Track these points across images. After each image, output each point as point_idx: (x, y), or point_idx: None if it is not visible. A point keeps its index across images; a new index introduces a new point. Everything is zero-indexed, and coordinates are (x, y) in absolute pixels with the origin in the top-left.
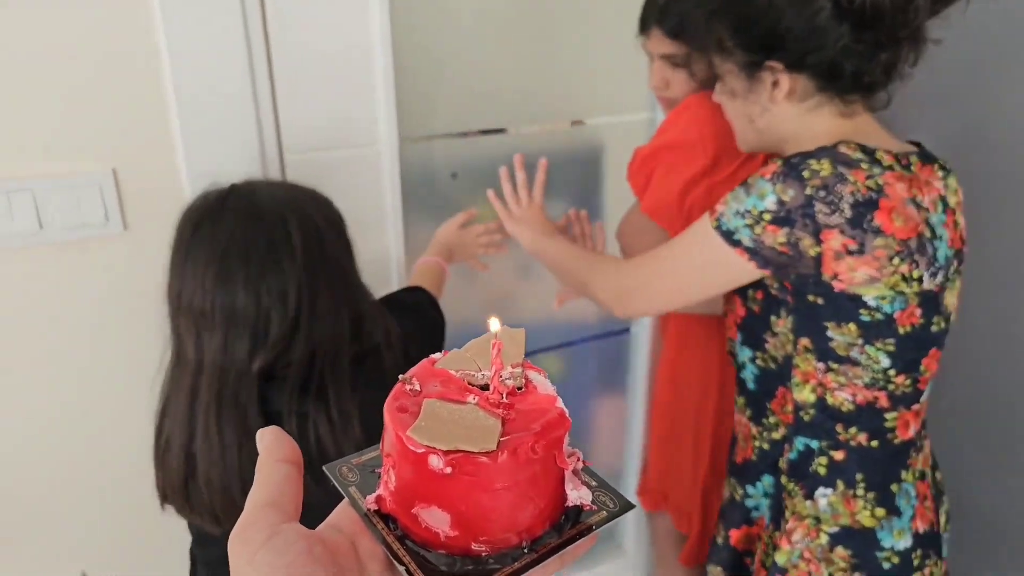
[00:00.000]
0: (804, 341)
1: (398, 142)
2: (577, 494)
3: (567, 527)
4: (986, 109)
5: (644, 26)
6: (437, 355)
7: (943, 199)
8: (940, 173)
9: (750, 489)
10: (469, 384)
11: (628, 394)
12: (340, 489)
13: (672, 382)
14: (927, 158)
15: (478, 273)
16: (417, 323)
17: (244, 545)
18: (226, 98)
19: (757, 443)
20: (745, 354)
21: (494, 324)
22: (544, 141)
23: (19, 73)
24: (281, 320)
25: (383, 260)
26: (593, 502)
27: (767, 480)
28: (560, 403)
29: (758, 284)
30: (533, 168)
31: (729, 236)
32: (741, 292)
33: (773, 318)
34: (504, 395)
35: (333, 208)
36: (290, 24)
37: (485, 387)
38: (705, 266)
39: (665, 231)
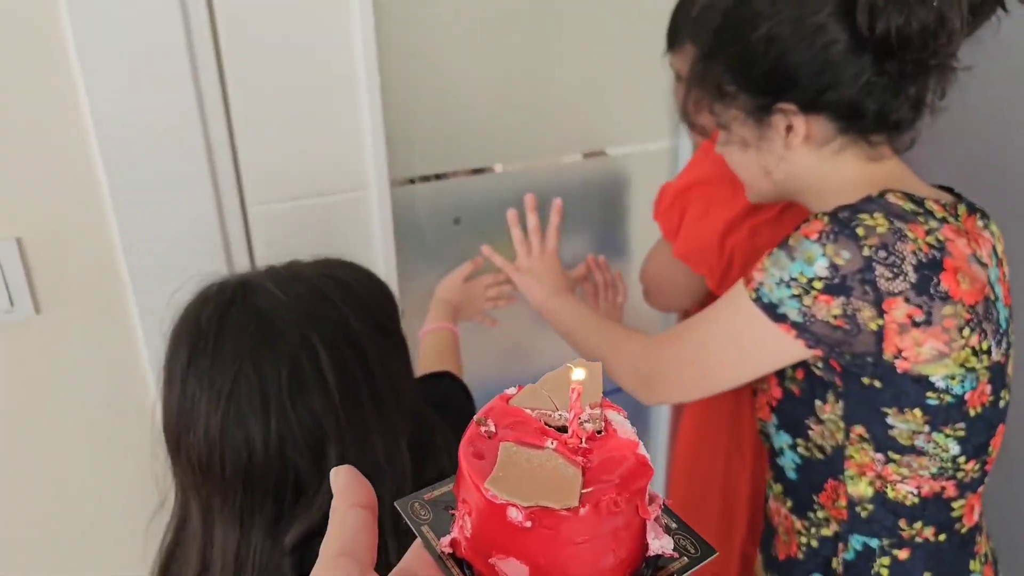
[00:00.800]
0: (859, 430)
1: (389, 185)
2: (659, 543)
3: (648, 575)
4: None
5: (673, 40)
6: (511, 390)
7: (995, 251)
8: (981, 222)
9: None
10: (546, 424)
11: (650, 443)
12: (413, 528)
13: (697, 432)
14: (970, 206)
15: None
16: (455, 423)
17: None
18: (168, 140)
19: (804, 539)
20: (783, 439)
21: (578, 373)
22: (557, 176)
23: None
24: (314, 475)
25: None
26: (674, 548)
27: None
28: (642, 449)
29: (798, 362)
30: (546, 207)
31: (772, 310)
32: (778, 371)
33: (818, 403)
34: (583, 440)
35: (376, 293)
36: (251, 54)
37: (562, 428)
38: (743, 348)
39: (699, 276)
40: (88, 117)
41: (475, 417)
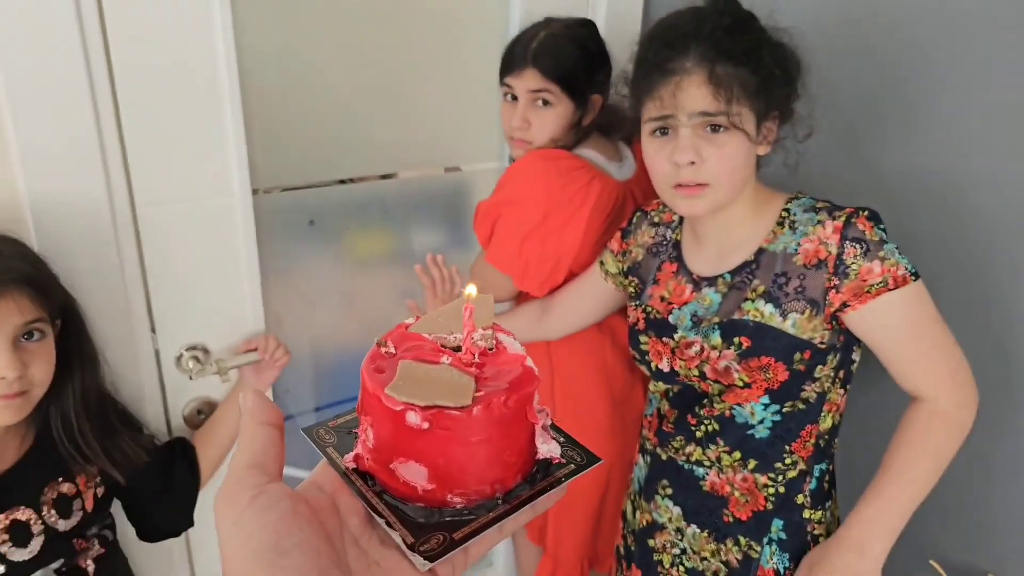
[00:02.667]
0: (841, 373)
1: (251, 193)
2: (547, 448)
3: (538, 479)
4: None
5: (517, 64)
6: (409, 320)
7: None
8: None
9: (762, 545)
10: (442, 346)
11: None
12: (318, 450)
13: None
14: None
15: (344, 303)
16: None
17: (230, 506)
18: (69, 146)
19: (771, 490)
20: (768, 411)
21: (470, 288)
22: (403, 188)
23: None
24: None
25: (239, 317)
26: (562, 456)
27: (777, 525)
28: (529, 361)
29: (806, 345)
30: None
31: (917, 275)
32: (785, 357)
33: (819, 367)
34: (476, 355)
35: None
36: (137, 66)
37: (458, 349)
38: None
39: (506, 276)
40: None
41: (376, 340)
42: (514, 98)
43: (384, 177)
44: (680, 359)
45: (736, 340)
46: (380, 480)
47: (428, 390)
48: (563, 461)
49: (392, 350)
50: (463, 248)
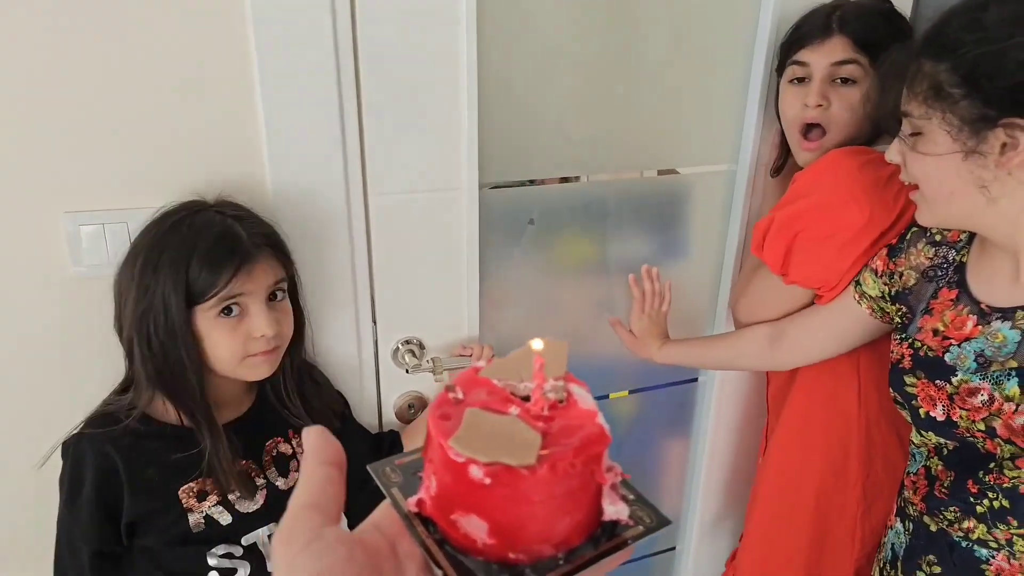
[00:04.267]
0: None
1: (478, 188)
2: (614, 509)
3: (603, 540)
4: None
5: (817, 33)
6: (482, 363)
7: None
8: None
9: None
10: (512, 394)
11: (692, 440)
12: (383, 489)
13: (793, 448)
14: None
15: (551, 309)
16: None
17: (286, 548)
18: (315, 132)
19: None
20: None
21: (536, 344)
22: (620, 189)
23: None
24: None
25: (455, 315)
26: (630, 517)
27: None
28: (601, 418)
29: None
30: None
31: None
32: None
33: None
34: (545, 408)
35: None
36: (381, 62)
37: (527, 398)
38: None
39: (807, 295)
40: (261, 116)
41: (446, 384)
42: (800, 81)
43: (605, 177)
44: (961, 408)
45: None
46: (441, 528)
47: (492, 444)
48: (631, 523)
49: (460, 396)
50: (676, 257)
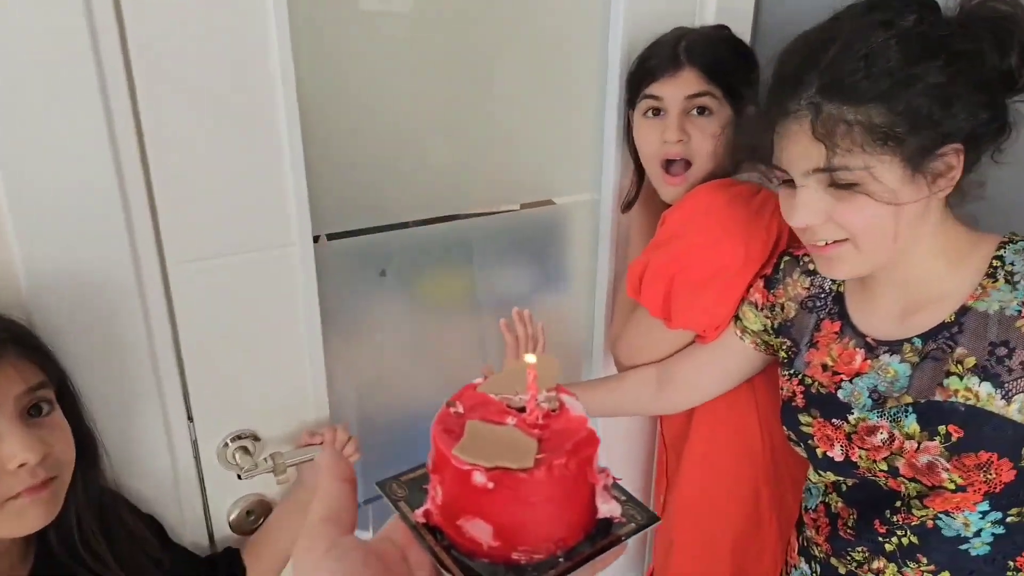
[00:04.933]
0: None
1: (312, 240)
2: (607, 507)
3: (599, 538)
4: None
5: (667, 66)
6: (478, 379)
7: None
8: None
9: None
10: (508, 407)
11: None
12: (391, 503)
13: (703, 489)
14: None
15: (417, 362)
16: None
17: (308, 554)
18: (80, 194)
19: None
20: (986, 521)
21: (530, 358)
22: (482, 226)
23: None
24: None
25: (297, 396)
26: (622, 515)
27: None
28: (590, 424)
29: None
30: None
31: None
32: (1011, 452)
33: None
34: (540, 417)
35: None
36: (169, 104)
37: (522, 409)
38: None
39: (688, 335)
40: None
41: (446, 401)
42: (656, 112)
43: (457, 217)
44: (860, 447)
45: (941, 429)
46: (448, 535)
47: (493, 451)
48: (623, 520)
49: (461, 410)
50: (548, 292)
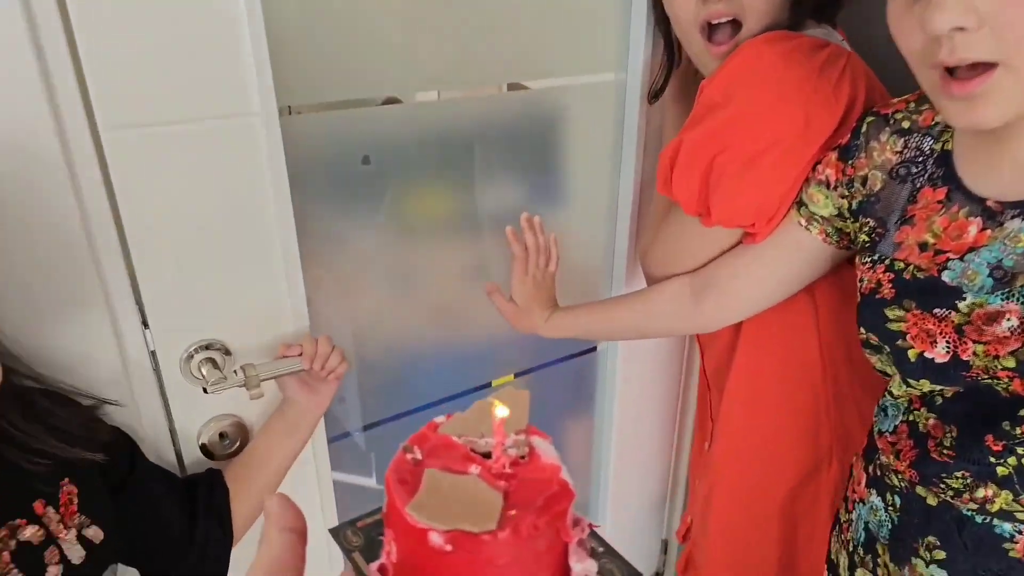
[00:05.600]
0: None
1: (277, 112)
2: (582, 567)
3: None
4: None
5: None
6: (440, 418)
7: None
8: None
9: None
10: (472, 451)
11: (596, 419)
12: (344, 555)
13: (749, 432)
14: None
15: (406, 279)
16: None
17: None
18: None
19: None
20: None
21: (500, 411)
22: (480, 109)
23: None
24: None
25: (271, 301)
26: (600, 571)
27: None
28: (564, 473)
29: None
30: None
31: None
32: None
33: None
34: (507, 465)
35: None
36: None
37: (488, 454)
38: None
39: (732, 235)
40: None
41: (403, 445)
42: None
43: (460, 94)
44: (975, 341)
45: None
46: None
47: (451, 509)
48: None
49: (419, 456)
50: (557, 202)
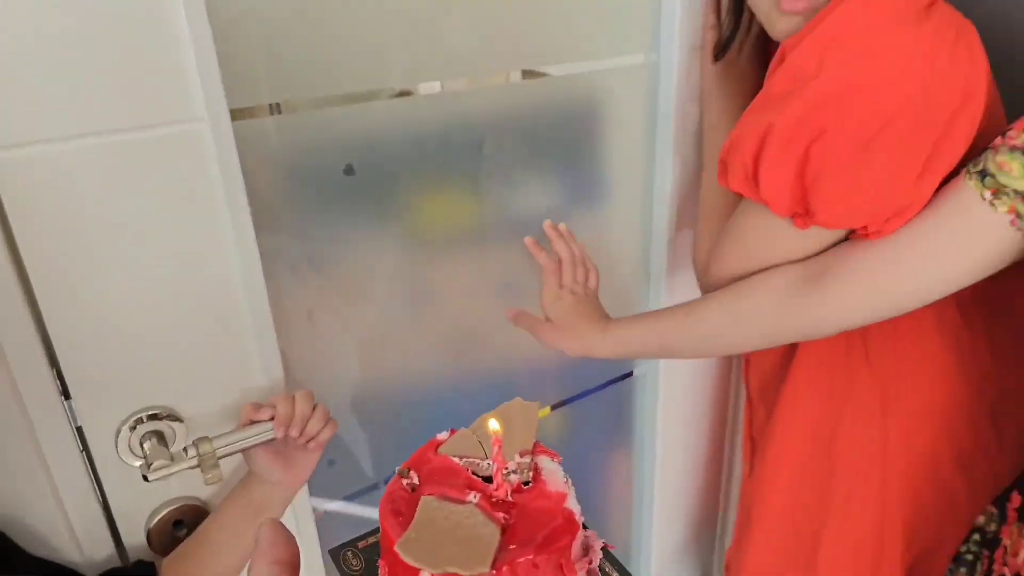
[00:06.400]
0: None
1: (229, 115)
2: None
3: None
4: None
5: None
6: (443, 435)
7: None
8: None
9: None
10: (474, 474)
11: (635, 451)
12: None
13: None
14: None
15: (423, 311)
16: None
17: None
18: None
19: None
20: None
21: (493, 424)
22: (484, 101)
23: None
24: None
25: (232, 324)
26: None
27: None
28: (569, 501)
29: None
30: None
31: None
32: None
33: None
34: (508, 493)
35: None
36: None
37: (490, 479)
38: None
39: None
40: None
41: (399, 469)
42: None
43: (461, 86)
44: None
45: None
46: None
47: (443, 548)
48: None
49: (416, 482)
50: (580, 205)
